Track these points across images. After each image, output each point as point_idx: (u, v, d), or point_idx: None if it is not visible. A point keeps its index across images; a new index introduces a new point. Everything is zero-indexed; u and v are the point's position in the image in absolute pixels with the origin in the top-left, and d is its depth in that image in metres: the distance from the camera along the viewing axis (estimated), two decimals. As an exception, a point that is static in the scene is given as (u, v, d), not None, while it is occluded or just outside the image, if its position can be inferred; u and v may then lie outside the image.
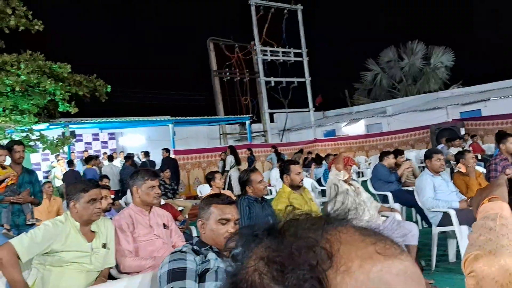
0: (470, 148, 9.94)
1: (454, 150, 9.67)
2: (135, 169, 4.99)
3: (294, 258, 0.48)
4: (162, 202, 5.91)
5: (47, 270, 2.77)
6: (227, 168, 10.01)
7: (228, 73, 22.22)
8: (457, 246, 4.54)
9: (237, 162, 9.74)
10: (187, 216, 7.14)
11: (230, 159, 10.10)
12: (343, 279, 0.46)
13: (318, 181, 9.38)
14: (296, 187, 4.20)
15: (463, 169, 5.24)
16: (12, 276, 2.57)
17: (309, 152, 14.66)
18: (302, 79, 23.38)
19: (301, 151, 14.08)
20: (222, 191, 5.54)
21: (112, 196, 6.47)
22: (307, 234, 0.50)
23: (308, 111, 23.63)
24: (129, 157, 11.68)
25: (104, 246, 2.95)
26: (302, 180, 4.26)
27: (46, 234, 2.74)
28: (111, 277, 3.05)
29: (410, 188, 6.25)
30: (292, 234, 0.51)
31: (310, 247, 0.49)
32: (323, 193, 8.13)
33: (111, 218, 3.34)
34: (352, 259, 0.47)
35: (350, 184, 4.59)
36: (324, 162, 10.80)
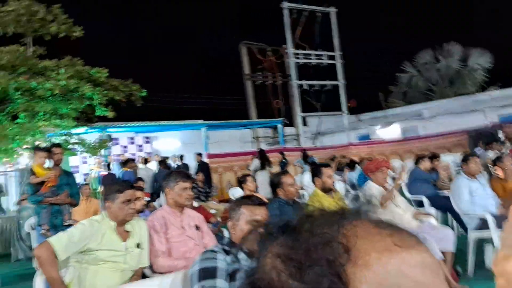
0: (509, 152, 9.60)
1: (492, 154, 9.38)
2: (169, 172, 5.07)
3: (311, 254, 0.48)
4: (196, 204, 5.99)
5: (84, 268, 2.85)
6: (251, 169, 10.01)
7: (260, 77, 22.28)
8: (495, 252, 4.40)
9: (262, 166, 9.66)
10: (219, 219, 7.19)
11: (255, 162, 10.08)
12: (362, 273, 0.46)
13: (352, 186, 9.27)
14: (328, 190, 4.17)
15: (500, 173, 5.08)
16: (50, 274, 2.66)
17: (343, 156, 14.51)
18: (336, 82, 23.19)
19: (333, 158, 13.89)
20: (255, 194, 5.56)
21: (147, 198, 6.61)
22: (323, 230, 0.50)
23: (342, 114, 23.40)
24: (163, 161, 11.88)
25: (138, 245, 3.02)
26: (333, 183, 4.23)
27: (83, 233, 2.82)
28: (144, 277, 3.12)
29: (445, 193, 6.10)
30: (308, 230, 0.51)
31: (327, 243, 0.49)
32: (356, 197, 8.02)
33: (145, 219, 3.41)
34: (370, 253, 0.47)
35: (385, 188, 4.52)
36: (357, 166, 10.66)
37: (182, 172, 3.68)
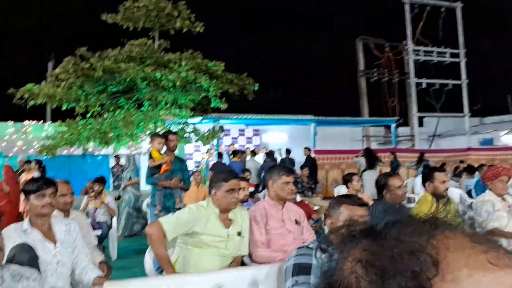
0: None
1: None
2: (273, 165, 5.15)
3: (396, 263, 0.45)
4: (299, 199, 6.01)
5: (188, 250, 3.01)
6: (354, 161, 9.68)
7: (375, 74, 21.56)
8: None
9: (369, 165, 9.23)
10: (322, 216, 7.12)
11: (361, 161, 9.71)
12: None
13: (469, 193, 8.57)
14: (440, 196, 3.90)
15: None
16: (158, 251, 2.86)
17: (461, 161, 13.46)
18: (458, 82, 21.57)
19: (443, 164, 12.79)
20: (360, 194, 5.41)
21: (252, 189, 6.79)
22: (411, 238, 0.47)
23: (463, 116, 21.72)
24: (270, 153, 12.10)
25: (239, 234, 3.10)
26: (446, 189, 3.94)
27: (189, 216, 2.98)
28: (243, 265, 3.21)
29: None
30: (394, 237, 0.48)
31: (414, 252, 0.46)
32: (470, 207, 7.40)
33: (248, 209, 3.49)
34: (461, 268, 0.44)
35: (503, 199, 4.11)
36: (476, 173, 9.83)
37: (285, 166, 3.70)
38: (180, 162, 5.46)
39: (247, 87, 12.40)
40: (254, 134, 17.08)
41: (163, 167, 5.15)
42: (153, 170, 5.19)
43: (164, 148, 5.31)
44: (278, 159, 12.79)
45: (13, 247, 2.43)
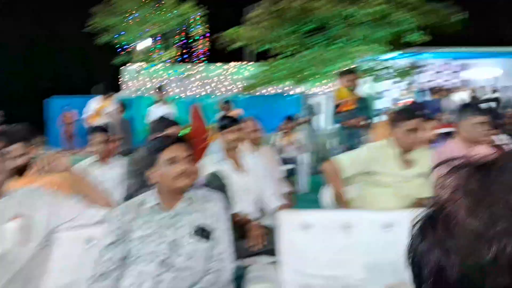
0: None
1: None
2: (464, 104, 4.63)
3: (495, 193, 0.46)
4: (504, 141, 5.35)
5: (366, 188, 3.03)
6: None
7: None
8: None
9: None
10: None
11: None
12: None
13: None
14: None
15: None
16: (334, 188, 2.96)
17: None
18: None
19: None
20: None
21: (450, 130, 6.27)
22: None
23: None
24: (474, 91, 10.90)
25: (420, 175, 2.97)
26: None
27: (368, 155, 2.98)
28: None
29: None
30: (501, 169, 0.48)
31: None
32: None
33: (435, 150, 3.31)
34: None
35: None
36: None
37: (476, 105, 3.33)
38: (366, 100, 5.37)
39: (451, 17, 11.17)
40: (458, 70, 15.47)
41: (348, 106, 5.13)
42: (339, 108, 5.22)
43: (352, 86, 5.25)
44: (484, 98, 11.43)
45: (208, 174, 2.82)
